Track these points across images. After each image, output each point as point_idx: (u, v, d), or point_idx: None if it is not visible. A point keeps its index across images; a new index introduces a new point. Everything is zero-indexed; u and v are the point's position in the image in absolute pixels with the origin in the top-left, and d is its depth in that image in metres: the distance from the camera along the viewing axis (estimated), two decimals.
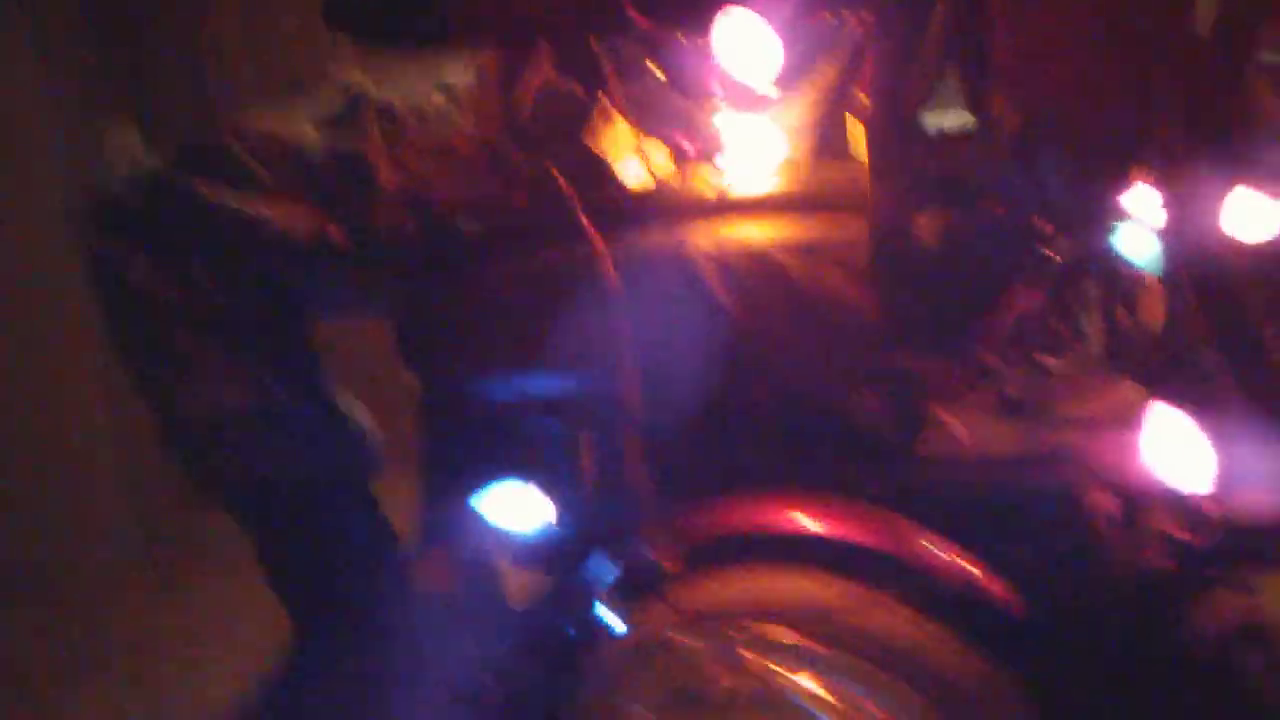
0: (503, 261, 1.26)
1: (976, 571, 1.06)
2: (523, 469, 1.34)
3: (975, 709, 1.06)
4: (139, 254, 1.31)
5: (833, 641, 1.07)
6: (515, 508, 1.36)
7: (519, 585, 1.51)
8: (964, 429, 1.27)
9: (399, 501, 1.52)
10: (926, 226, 1.12)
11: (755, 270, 1.12)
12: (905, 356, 1.19)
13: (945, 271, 1.15)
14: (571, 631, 1.34)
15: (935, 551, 1.10)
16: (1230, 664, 1.08)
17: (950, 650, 1.06)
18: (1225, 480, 1.11)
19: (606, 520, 1.26)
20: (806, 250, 1.11)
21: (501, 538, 1.40)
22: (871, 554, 1.10)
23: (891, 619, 1.07)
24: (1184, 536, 1.09)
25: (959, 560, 1.08)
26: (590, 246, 1.16)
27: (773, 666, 1.10)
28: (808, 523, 1.13)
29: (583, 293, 1.17)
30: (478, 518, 1.36)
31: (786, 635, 1.09)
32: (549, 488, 1.34)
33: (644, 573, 1.15)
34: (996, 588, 1.07)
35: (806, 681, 1.09)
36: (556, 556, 1.36)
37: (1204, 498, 1.10)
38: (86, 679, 2.11)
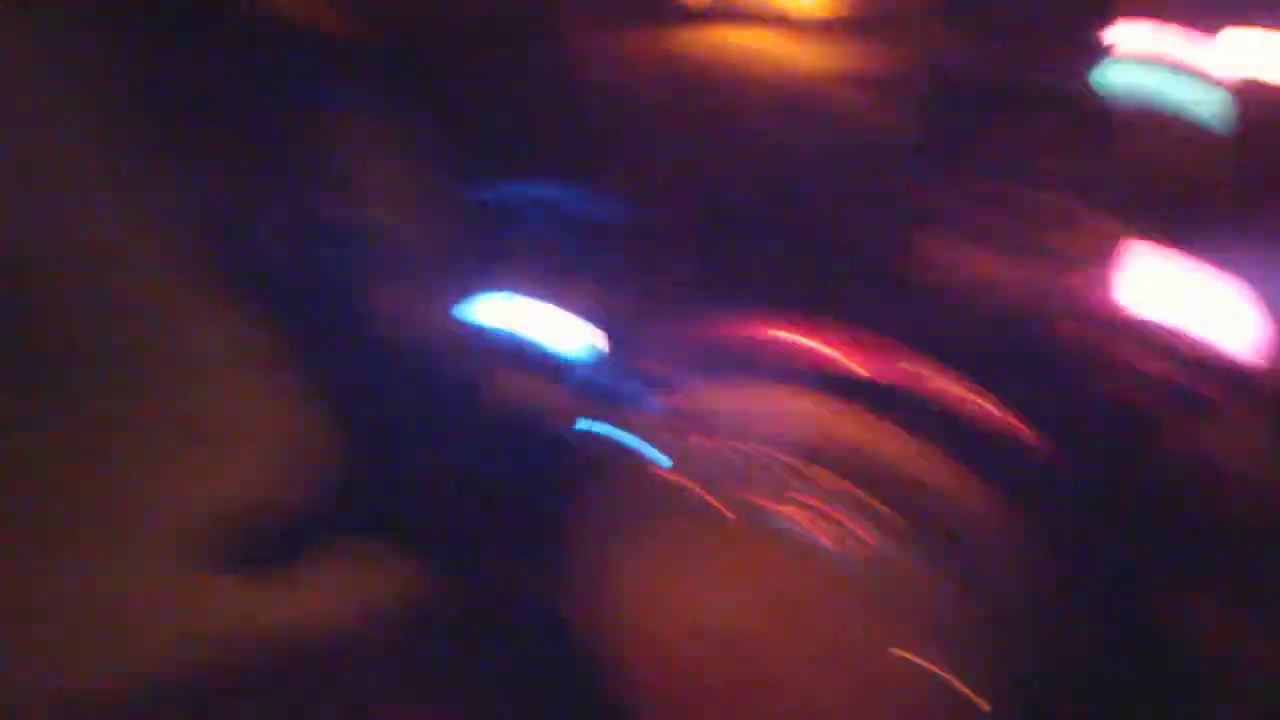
0: (495, 53, 1.20)
1: (975, 400, 1.10)
2: (538, 278, 1.32)
3: (971, 538, 1.10)
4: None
5: (828, 464, 1.10)
6: (535, 320, 1.34)
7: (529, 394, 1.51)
8: (956, 257, 1.29)
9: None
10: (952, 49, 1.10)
11: (774, 86, 1.09)
12: (910, 182, 1.19)
13: (963, 95, 1.14)
14: (575, 444, 1.37)
15: (929, 378, 1.13)
16: (1204, 486, 1.16)
17: (946, 479, 1.10)
18: (1197, 318, 1.16)
19: (617, 332, 1.26)
20: (833, 70, 1.08)
21: (516, 349, 1.39)
22: (865, 379, 1.13)
23: (886, 444, 1.10)
24: (1156, 370, 1.14)
25: (954, 388, 1.12)
26: (582, 44, 1.11)
27: (767, 490, 1.13)
28: (810, 343, 1.15)
29: (579, 89, 1.13)
30: (498, 329, 1.35)
31: (782, 458, 1.12)
32: (565, 299, 1.33)
33: (648, 384, 1.16)
34: (993, 416, 1.11)
35: (798, 506, 1.13)
36: (568, 369, 1.36)
37: (1176, 332, 1.15)
38: None
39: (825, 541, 1.10)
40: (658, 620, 1.20)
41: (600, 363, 1.28)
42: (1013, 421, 1.11)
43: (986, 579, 1.09)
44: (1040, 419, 1.12)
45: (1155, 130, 1.31)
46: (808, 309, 1.21)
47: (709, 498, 1.15)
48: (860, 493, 1.09)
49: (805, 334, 1.16)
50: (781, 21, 1.16)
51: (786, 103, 1.13)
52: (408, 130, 1.26)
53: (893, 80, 1.08)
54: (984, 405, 1.11)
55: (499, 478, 1.51)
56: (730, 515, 1.14)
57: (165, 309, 1.45)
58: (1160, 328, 1.14)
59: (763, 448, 1.13)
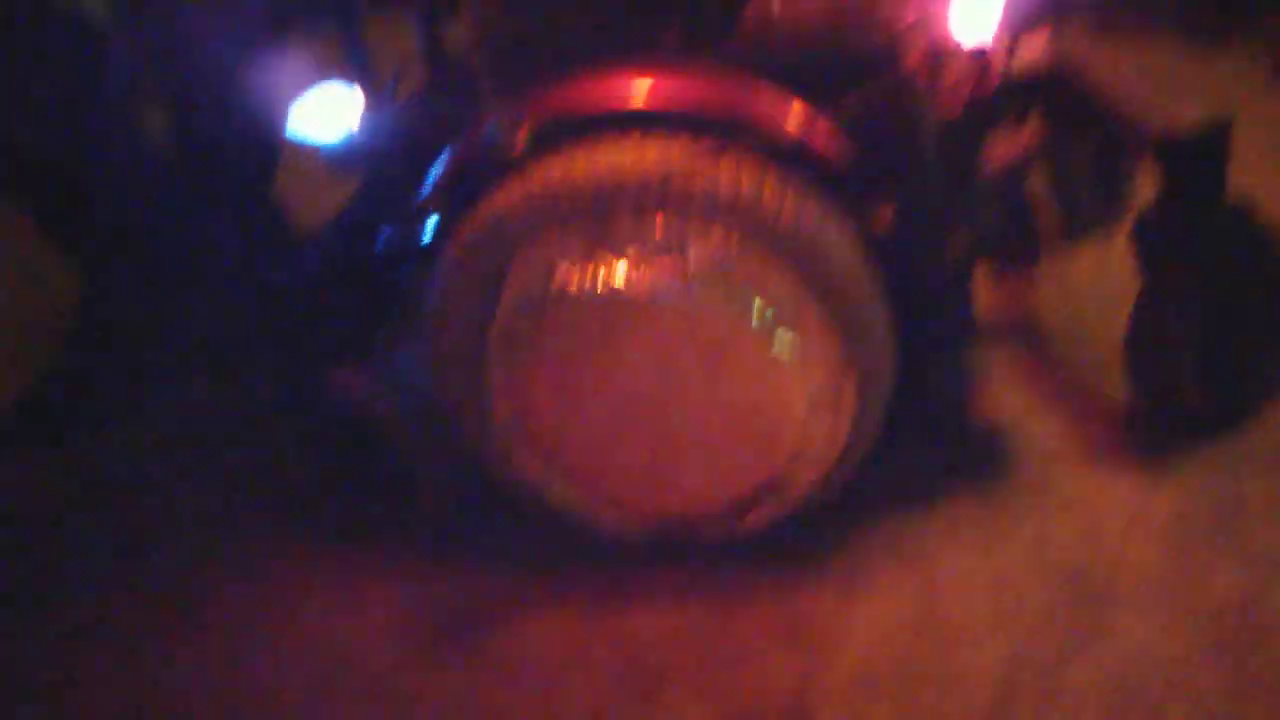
0: None
1: (812, 121, 1.11)
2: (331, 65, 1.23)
3: (811, 251, 1.13)
4: None
5: (674, 202, 1.10)
6: (329, 111, 1.26)
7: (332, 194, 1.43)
8: None
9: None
10: None
11: None
12: None
13: None
14: (391, 236, 1.32)
15: (772, 106, 1.14)
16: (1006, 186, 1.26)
17: (788, 197, 1.12)
18: (1007, 33, 1.22)
19: (441, 111, 1.20)
20: None
21: (313, 146, 1.30)
22: (713, 113, 1.12)
23: (733, 173, 1.10)
24: (975, 85, 1.20)
25: (795, 111, 1.13)
26: None
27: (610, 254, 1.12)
28: (650, 90, 1.12)
29: None
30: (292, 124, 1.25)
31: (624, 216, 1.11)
32: (362, 80, 1.24)
33: (493, 155, 1.12)
34: (828, 136, 1.13)
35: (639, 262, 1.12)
36: (375, 156, 1.29)
37: (992, 50, 1.20)
38: None
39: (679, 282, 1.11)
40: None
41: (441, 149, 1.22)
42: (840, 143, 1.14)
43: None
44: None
45: None
46: (644, 55, 1.18)
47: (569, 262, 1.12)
48: (710, 226, 1.10)
49: (645, 78, 1.14)
50: None
51: None
52: None
53: None
54: (818, 125, 1.12)
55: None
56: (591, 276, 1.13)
57: None
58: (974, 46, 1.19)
59: (616, 199, 1.11)
